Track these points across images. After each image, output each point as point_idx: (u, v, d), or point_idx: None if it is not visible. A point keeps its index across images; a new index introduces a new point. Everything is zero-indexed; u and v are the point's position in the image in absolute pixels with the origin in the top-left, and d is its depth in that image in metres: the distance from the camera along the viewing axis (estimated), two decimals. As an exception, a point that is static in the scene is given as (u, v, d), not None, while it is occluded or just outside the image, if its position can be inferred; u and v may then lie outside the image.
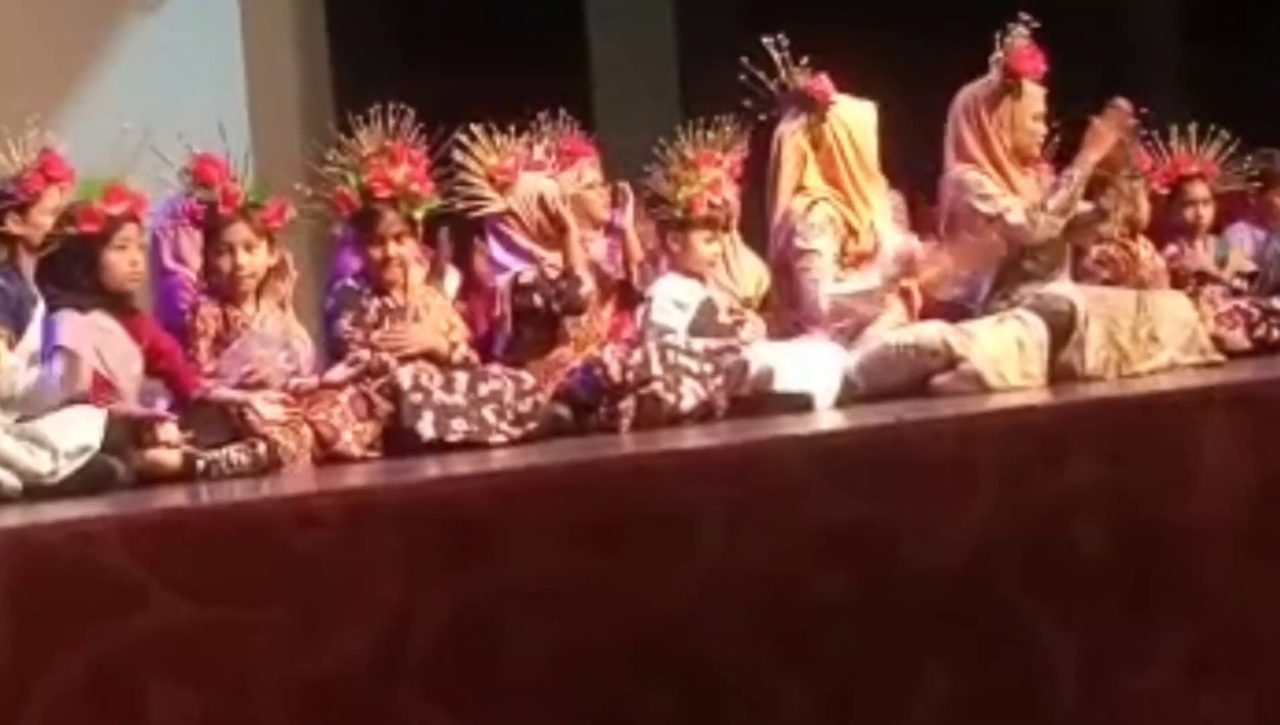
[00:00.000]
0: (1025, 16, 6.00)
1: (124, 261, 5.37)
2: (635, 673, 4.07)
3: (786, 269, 5.95)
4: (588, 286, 5.84)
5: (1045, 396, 5.35)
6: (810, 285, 5.85)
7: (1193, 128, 6.92)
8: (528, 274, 5.85)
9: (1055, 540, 4.38)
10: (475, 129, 5.92)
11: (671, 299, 6.00)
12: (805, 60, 6.00)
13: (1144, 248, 6.60)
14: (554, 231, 5.90)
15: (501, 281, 5.88)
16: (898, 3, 8.25)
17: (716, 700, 4.15)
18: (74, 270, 5.30)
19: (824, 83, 5.98)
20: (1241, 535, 4.50)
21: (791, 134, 5.97)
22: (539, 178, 5.98)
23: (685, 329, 5.87)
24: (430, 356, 5.64)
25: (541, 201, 5.90)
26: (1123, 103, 5.97)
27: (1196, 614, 4.52)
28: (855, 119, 5.99)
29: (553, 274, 5.83)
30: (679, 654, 4.09)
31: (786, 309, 6.00)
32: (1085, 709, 4.41)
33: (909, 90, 5.99)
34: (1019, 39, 6.00)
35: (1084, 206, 6.01)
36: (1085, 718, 4.42)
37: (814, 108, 5.96)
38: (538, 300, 5.83)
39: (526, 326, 5.88)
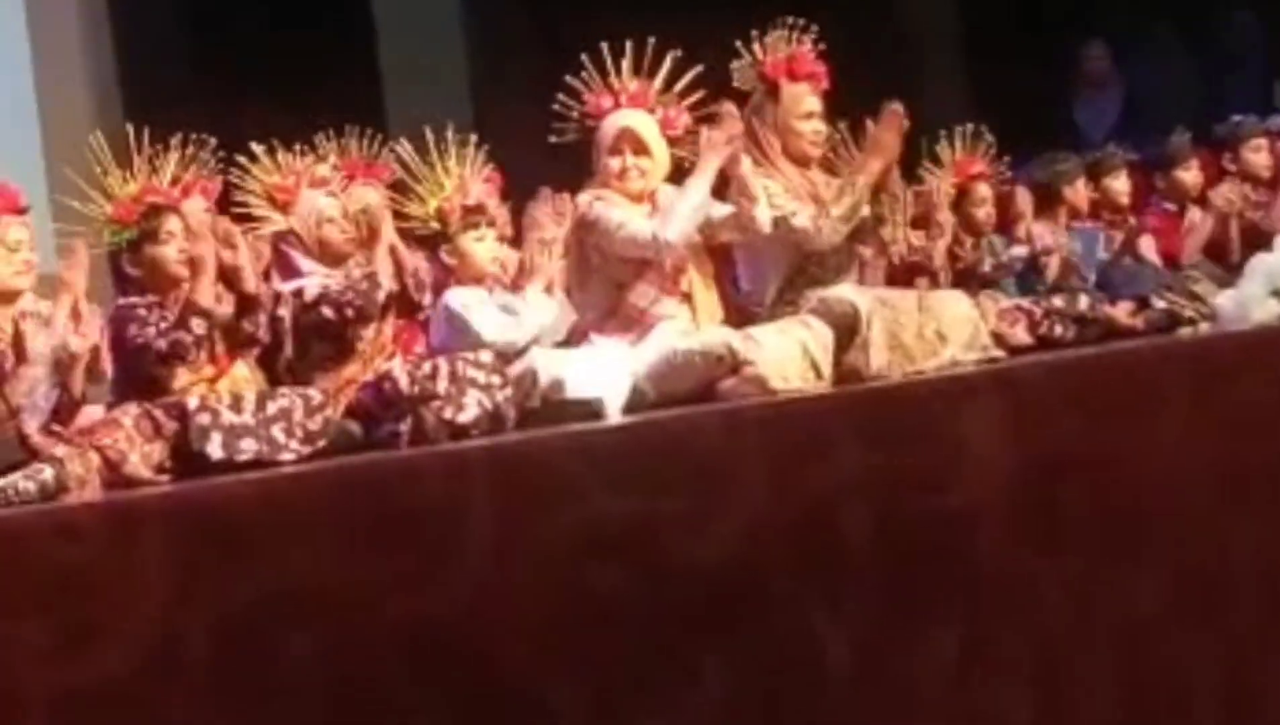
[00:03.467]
0: (787, 19, 6.09)
1: None
2: (410, 673, 4.09)
3: (581, 260, 5.99)
4: (385, 290, 5.85)
5: (810, 389, 5.42)
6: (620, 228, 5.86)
7: (969, 128, 7.08)
8: (313, 288, 5.85)
9: (824, 530, 4.45)
10: (257, 148, 5.92)
11: (461, 304, 6.02)
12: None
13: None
14: (350, 244, 5.90)
15: (286, 302, 5.86)
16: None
17: (492, 700, 4.17)
18: None
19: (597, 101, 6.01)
20: (1006, 519, 4.60)
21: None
22: (318, 196, 5.99)
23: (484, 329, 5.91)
24: None
25: (321, 218, 5.92)
26: (897, 106, 6.08)
27: (967, 600, 4.62)
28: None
29: (338, 285, 5.82)
30: (453, 654, 4.12)
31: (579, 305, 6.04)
32: (860, 697, 4.48)
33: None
34: (771, 42, 6.10)
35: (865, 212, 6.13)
36: (860, 705, 4.50)
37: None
38: (327, 312, 5.82)
39: (314, 343, 5.87)
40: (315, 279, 5.85)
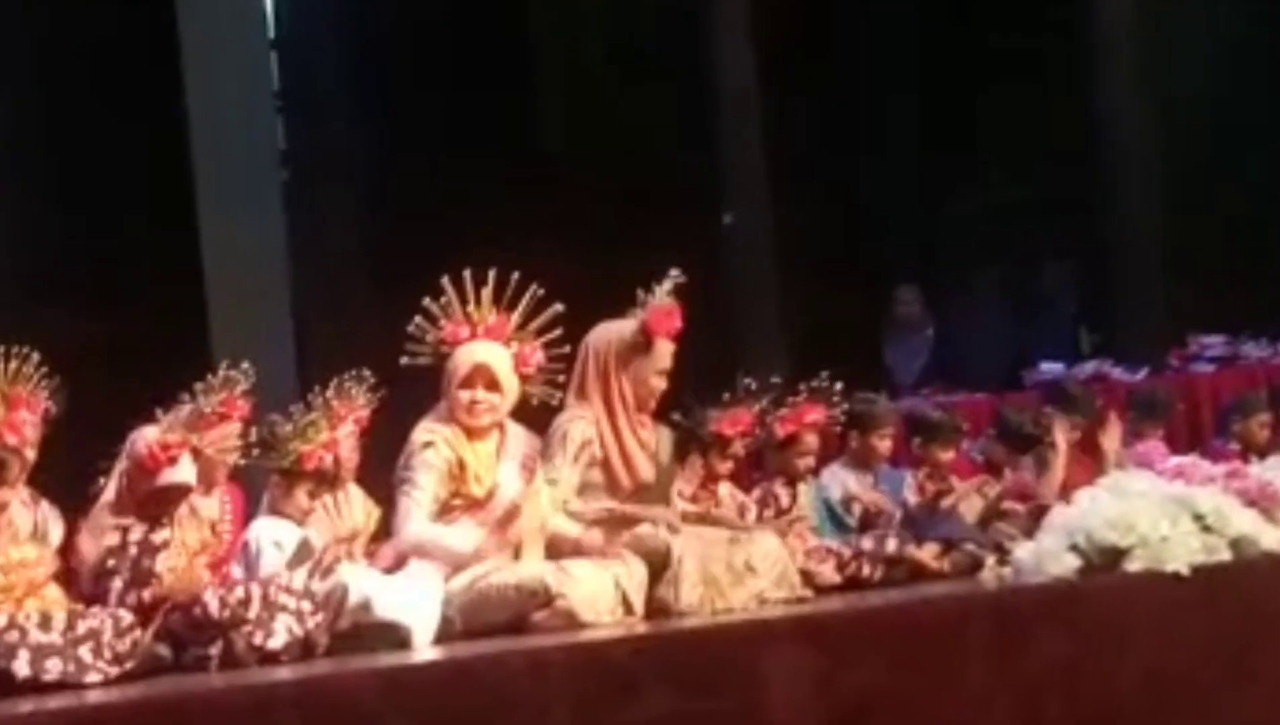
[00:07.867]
0: (674, 272, 6.19)
1: None
2: None
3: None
4: (162, 558, 5.82)
5: (618, 629, 5.44)
6: (403, 514, 5.91)
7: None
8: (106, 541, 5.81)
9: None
10: None
11: (270, 540, 6.06)
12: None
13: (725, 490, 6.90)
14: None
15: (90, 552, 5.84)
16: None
17: None
18: None
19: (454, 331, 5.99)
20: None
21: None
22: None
23: (285, 567, 5.91)
24: None
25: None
26: None
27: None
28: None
29: (134, 541, 5.80)
30: None
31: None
32: None
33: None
34: (663, 297, 6.20)
35: None
36: None
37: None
38: (110, 564, 5.79)
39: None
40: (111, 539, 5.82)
